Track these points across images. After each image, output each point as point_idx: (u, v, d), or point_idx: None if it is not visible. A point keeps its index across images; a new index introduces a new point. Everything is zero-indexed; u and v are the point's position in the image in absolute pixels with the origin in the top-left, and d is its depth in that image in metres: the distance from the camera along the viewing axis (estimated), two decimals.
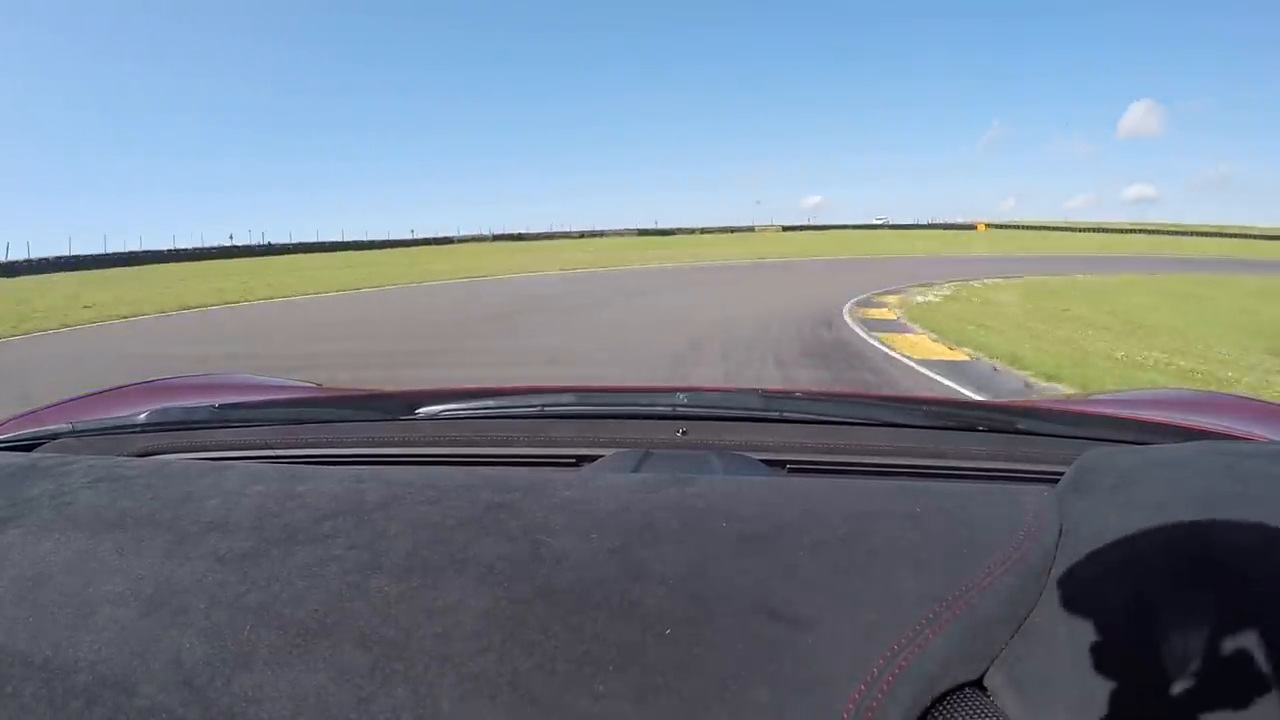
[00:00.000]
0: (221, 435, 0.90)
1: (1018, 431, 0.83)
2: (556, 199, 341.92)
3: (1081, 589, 0.40)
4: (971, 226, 70.90)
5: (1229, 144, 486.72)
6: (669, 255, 30.87)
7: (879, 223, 76.83)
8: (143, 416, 0.89)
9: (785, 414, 0.88)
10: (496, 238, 56.41)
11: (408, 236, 53.97)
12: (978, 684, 0.38)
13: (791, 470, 0.84)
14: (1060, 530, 0.45)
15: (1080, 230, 66.49)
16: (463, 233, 56.65)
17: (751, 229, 67.08)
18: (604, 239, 57.79)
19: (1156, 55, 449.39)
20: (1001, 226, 70.88)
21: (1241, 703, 0.31)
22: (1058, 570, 0.42)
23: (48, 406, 1.05)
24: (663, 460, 0.80)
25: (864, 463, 0.84)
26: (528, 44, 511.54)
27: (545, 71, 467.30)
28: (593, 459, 0.84)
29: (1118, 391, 1.90)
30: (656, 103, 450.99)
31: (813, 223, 75.92)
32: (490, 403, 0.94)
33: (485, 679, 0.36)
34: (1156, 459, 0.50)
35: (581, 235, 60.12)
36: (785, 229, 67.68)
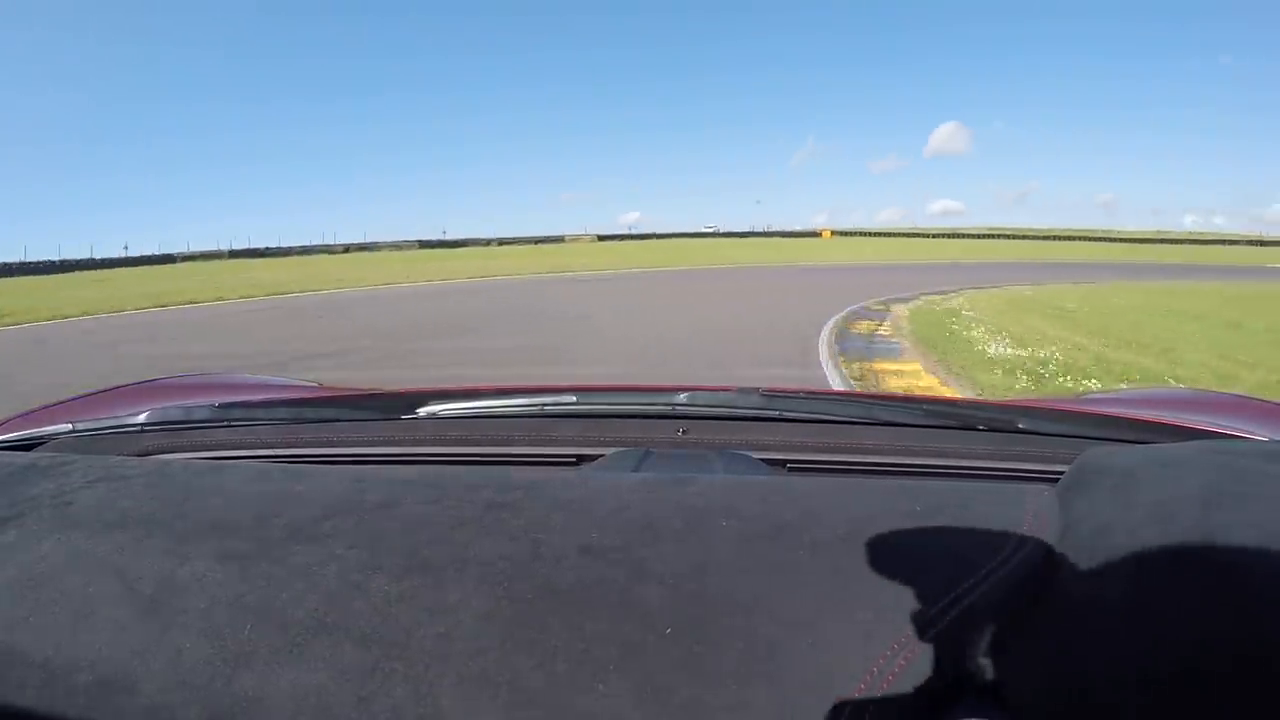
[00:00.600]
0: (221, 435, 0.90)
1: (1018, 431, 0.83)
2: (325, 210, 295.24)
3: (1081, 588, 0.40)
4: (815, 234, 65.36)
5: (1028, 161, 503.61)
6: (440, 271, 24.13)
7: (709, 230, 69.45)
8: (142, 416, 0.89)
9: (785, 413, 0.88)
10: (234, 254, 47.75)
11: (119, 255, 43.26)
12: (978, 682, 0.38)
13: (791, 469, 0.83)
14: (1061, 529, 0.45)
15: (932, 235, 65.86)
16: (194, 248, 47.39)
17: (561, 239, 60.53)
18: (376, 252, 50.15)
19: (963, 80, 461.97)
20: (846, 234, 66.16)
21: (1242, 700, 0.32)
22: (1058, 570, 0.42)
23: (48, 406, 1.05)
24: (663, 460, 0.79)
25: (864, 462, 0.83)
26: (308, 63, 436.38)
27: (325, 80, 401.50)
28: (593, 458, 0.84)
29: (1118, 391, 1.74)
30: (458, 119, 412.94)
31: (634, 232, 66.84)
32: (490, 402, 0.95)
33: (486, 678, 0.36)
34: (1156, 458, 0.49)
35: (347, 249, 52.04)
36: (601, 238, 62.17)
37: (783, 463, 0.83)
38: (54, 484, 0.58)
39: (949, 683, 0.37)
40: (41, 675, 0.38)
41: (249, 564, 0.45)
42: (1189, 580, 0.36)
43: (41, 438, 0.86)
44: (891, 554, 0.43)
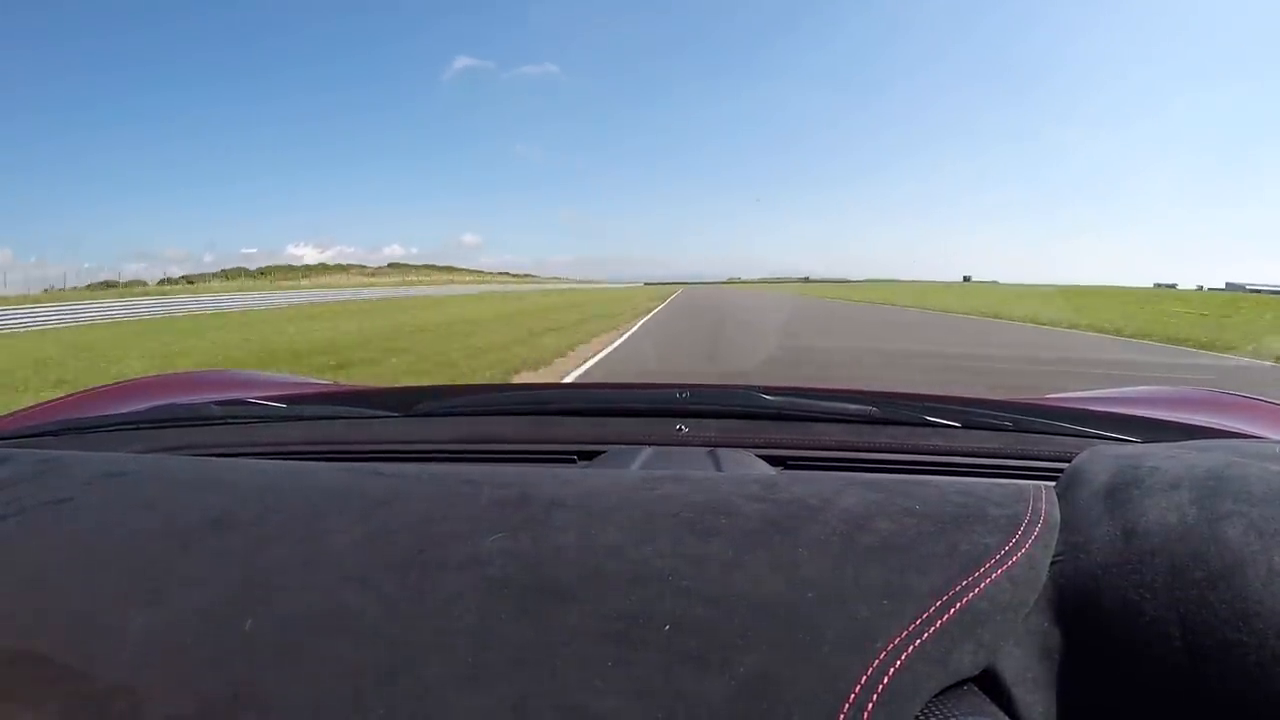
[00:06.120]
0: (222, 432, 0.89)
1: (1018, 428, 0.83)
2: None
3: (1080, 585, 0.40)
4: None
5: None
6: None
7: None
8: (144, 413, 0.89)
9: (783, 410, 0.89)
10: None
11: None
12: (976, 681, 0.38)
13: (790, 466, 0.83)
14: (1060, 527, 0.45)
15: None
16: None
17: None
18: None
19: None
20: None
21: (1239, 699, 0.32)
22: (1057, 567, 0.42)
23: (48, 403, 1.04)
24: (662, 456, 0.80)
25: (863, 459, 0.83)
26: None
27: None
28: (593, 455, 0.84)
29: (1119, 389, 1.54)
30: None
31: None
32: (491, 399, 0.97)
33: (486, 675, 0.36)
34: (1156, 456, 0.50)
35: None
36: None
37: (781, 459, 0.83)
38: (54, 481, 0.57)
39: (948, 680, 0.36)
40: (41, 675, 0.38)
41: (249, 560, 0.45)
42: (1187, 579, 0.36)
43: (42, 434, 0.85)
44: (890, 551, 0.43)
